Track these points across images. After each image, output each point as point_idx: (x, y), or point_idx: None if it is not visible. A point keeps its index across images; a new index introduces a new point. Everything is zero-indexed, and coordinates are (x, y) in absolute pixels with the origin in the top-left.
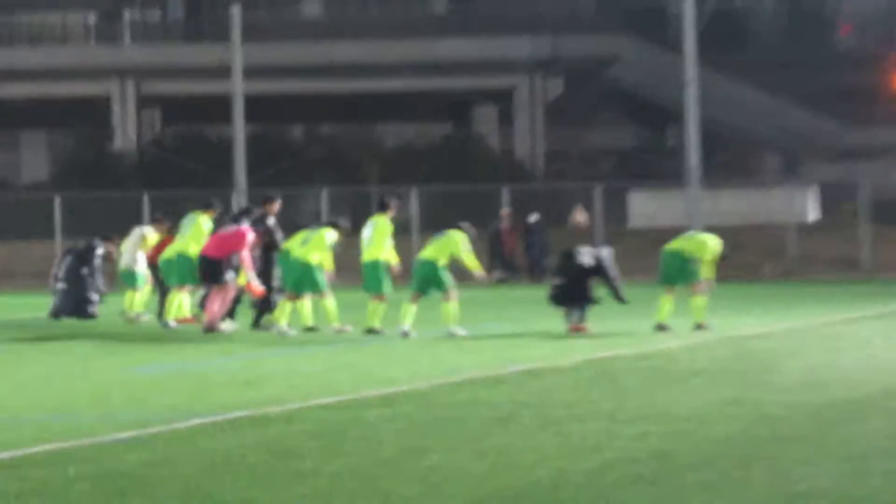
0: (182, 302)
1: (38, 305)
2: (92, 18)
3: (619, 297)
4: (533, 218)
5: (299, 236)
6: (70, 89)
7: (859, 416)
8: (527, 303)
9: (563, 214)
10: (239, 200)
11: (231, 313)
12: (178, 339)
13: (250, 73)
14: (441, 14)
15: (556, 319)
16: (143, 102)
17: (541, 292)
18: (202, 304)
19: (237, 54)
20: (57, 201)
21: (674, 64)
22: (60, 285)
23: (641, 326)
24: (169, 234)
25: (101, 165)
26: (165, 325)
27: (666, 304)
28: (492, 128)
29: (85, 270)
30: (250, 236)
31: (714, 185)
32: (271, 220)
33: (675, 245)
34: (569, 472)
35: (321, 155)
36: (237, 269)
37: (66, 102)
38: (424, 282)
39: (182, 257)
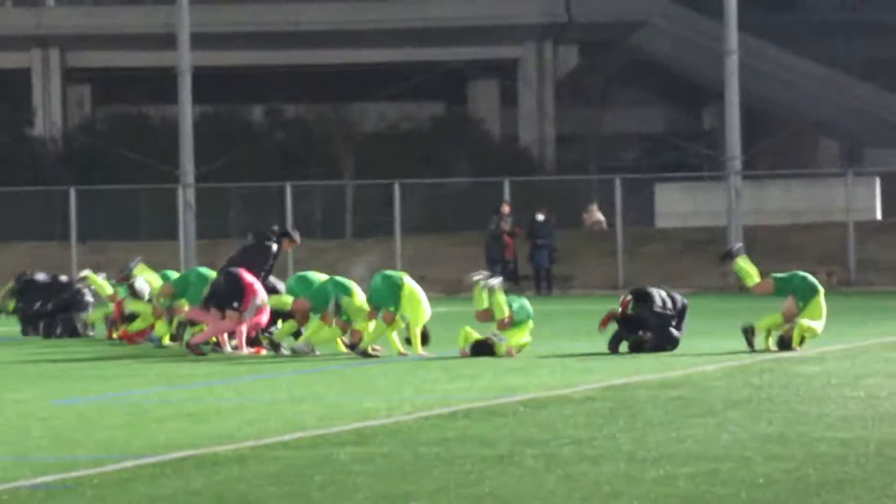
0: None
1: None
2: None
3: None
4: (540, 217)
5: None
6: None
7: None
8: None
9: (577, 213)
10: (186, 196)
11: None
12: (110, 364)
13: (199, 41)
14: None
15: (564, 339)
16: (70, 77)
17: (548, 306)
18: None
19: (184, 19)
20: None
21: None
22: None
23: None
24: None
25: (18, 153)
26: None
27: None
28: (492, 108)
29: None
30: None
31: (759, 176)
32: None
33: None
34: None
35: (286, 142)
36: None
37: None
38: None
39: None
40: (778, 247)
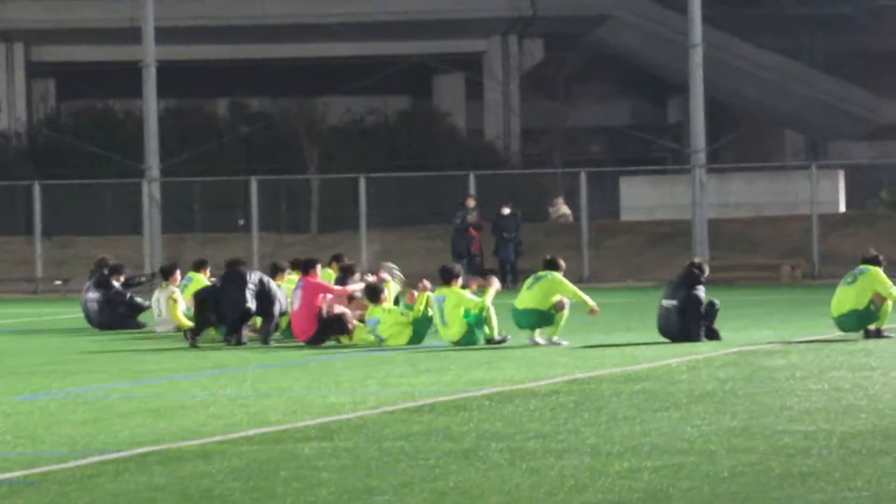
0: None
1: None
2: None
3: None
4: (505, 211)
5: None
6: None
7: (893, 447)
8: (496, 312)
9: (542, 207)
10: (151, 191)
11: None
12: (74, 360)
13: (164, 35)
14: None
15: (529, 332)
16: (34, 71)
17: (513, 299)
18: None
19: (148, 12)
20: None
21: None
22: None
23: (633, 339)
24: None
25: None
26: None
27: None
28: (457, 102)
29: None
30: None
31: (723, 169)
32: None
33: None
34: None
35: (251, 136)
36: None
37: None
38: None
39: None
40: (742, 239)
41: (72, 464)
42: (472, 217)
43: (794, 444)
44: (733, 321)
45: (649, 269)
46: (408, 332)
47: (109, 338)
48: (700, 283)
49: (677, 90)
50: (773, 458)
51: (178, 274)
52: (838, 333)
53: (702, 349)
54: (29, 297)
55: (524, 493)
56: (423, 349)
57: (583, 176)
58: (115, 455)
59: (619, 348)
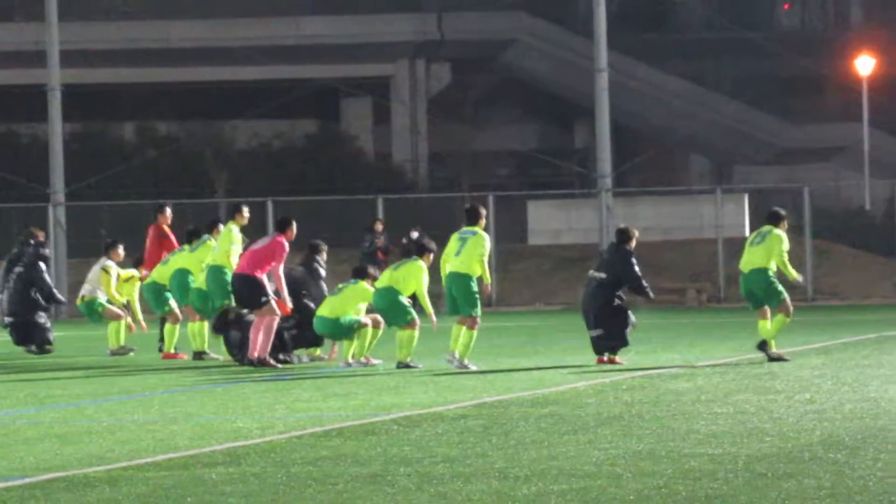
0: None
1: None
2: None
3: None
4: (414, 234)
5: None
6: None
7: (797, 470)
8: None
9: (450, 229)
10: (56, 215)
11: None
12: None
13: (69, 58)
14: None
15: (437, 358)
16: None
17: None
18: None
19: (53, 36)
20: None
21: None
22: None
23: (541, 363)
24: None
25: None
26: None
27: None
28: (365, 125)
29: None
30: (286, 246)
31: (630, 193)
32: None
33: (751, 260)
34: None
35: (157, 159)
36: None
37: None
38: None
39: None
40: (649, 263)
41: None
42: (380, 241)
43: (701, 468)
44: (640, 344)
45: (557, 292)
46: None
47: (15, 363)
48: (630, 254)
49: (584, 114)
50: (680, 482)
51: (119, 250)
52: (744, 356)
53: (609, 374)
54: None
55: None
56: (329, 374)
57: (490, 199)
58: (19, 482)
59: (527, 372)
